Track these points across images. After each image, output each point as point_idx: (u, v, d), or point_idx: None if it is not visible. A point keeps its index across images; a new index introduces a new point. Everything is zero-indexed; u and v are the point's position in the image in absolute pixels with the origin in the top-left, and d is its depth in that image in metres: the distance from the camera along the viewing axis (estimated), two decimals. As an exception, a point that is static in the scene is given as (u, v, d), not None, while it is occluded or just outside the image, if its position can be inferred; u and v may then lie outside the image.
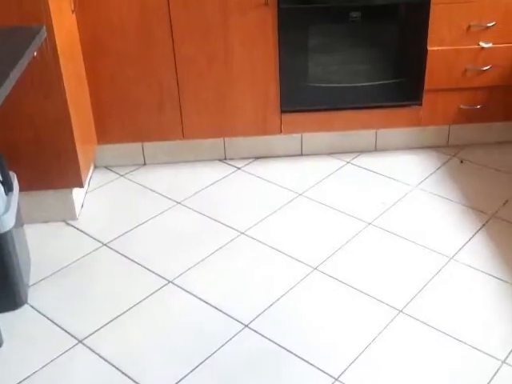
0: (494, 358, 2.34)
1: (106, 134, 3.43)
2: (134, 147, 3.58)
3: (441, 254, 2.89)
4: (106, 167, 3.59)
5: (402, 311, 2.57)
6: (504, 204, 3.23)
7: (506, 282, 2.72)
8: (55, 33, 2.72)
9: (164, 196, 3.34)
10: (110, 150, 3.56)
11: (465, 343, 2.40)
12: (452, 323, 2.50)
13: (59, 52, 2.78)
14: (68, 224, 3.14)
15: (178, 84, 3.33)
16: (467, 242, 2.96)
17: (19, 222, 2.63)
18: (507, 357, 2.34)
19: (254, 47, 3.28)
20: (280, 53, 3.30)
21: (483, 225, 3.08)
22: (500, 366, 2.30)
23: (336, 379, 2.26)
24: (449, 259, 2.86)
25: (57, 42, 2.75)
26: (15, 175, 2.65)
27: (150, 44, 3.23)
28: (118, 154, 3.59)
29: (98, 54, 3.23)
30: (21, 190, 2.69)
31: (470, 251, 2.91)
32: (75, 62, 3.12)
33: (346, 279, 2.75)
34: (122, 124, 3.41)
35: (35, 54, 2.42)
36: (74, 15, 3.09)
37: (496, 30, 3.36)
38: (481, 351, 2.37)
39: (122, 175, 3.53)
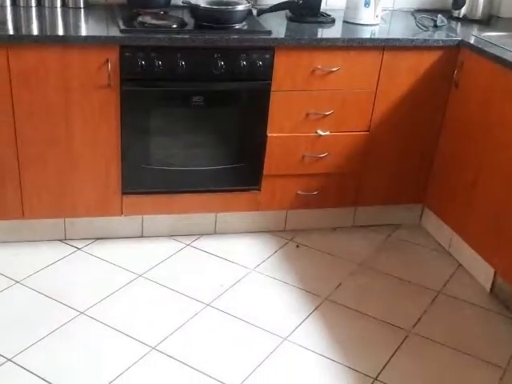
0: None
1: None
2: (-28, 226, 3.43)
3: (275, 334, 2.94)
4: None
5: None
6: (337, 287, 3.33)
7: (338, 362, 2.79)
8: None
9: (2, 275, 3.23)
10: None
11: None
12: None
13: None
14: None
15: (18, 163, 3.22)
16: (301, 324, 3.03)
17: None
18: None
19: (96, 128, 3.24)
20: (122, 135, 3.28)
21: (316, 307, 3.15)
22: None
23: None
24: (283, 340, 2.91)
25: None
26: None
27: (-9, 122, 3.14)
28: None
29: None
30: None
31: (303, 332, 2.97)
32: None
33: (184, 358, 2.77)
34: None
35: None
36: None
37: (333, 119, 3.47)
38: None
39: (-41, 253, 3.39)
